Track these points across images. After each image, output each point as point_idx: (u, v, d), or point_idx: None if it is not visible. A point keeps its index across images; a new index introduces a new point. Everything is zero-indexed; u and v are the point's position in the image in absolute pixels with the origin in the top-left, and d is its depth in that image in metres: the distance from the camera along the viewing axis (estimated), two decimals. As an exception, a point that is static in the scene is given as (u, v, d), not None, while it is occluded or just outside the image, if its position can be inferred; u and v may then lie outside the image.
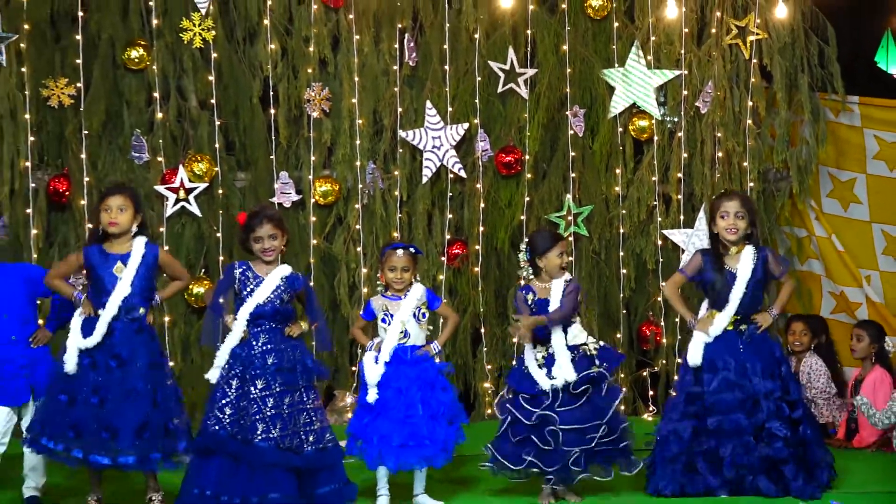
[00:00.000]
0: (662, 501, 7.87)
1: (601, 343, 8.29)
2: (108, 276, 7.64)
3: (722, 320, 7.99)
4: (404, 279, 8.00)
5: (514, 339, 8.40)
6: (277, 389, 7.63)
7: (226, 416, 7.56)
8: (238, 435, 7.53)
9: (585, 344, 8.02)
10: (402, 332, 7.99)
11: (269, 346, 7.70)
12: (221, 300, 7.88)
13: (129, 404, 7.54)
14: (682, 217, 11.16)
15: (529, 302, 8.04)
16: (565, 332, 8.00)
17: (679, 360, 10.70)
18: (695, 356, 8.01)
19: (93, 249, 7.74)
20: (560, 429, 7.84)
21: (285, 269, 7.89)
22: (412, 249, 8.18)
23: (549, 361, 7.93)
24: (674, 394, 8.61)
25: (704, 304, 8.32)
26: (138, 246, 7.71)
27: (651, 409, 11.02)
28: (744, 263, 8.03)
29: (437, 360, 8.14)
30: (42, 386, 7.97)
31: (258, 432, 7.48)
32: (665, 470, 7.95)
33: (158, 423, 7.59)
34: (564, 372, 7.85)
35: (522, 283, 8.56)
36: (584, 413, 7.84)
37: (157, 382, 7.68)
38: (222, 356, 7.69)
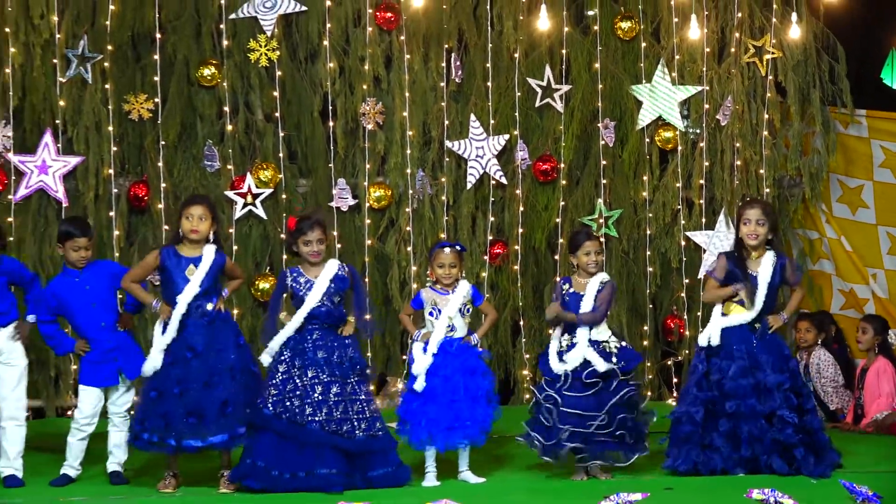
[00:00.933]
0: (678, 479, 7.81)
1: (623, 343, 8.29)
2: (180, 278, 7.80)
3: (744, 317, 8.00)
4: (452, 274, 8.05)
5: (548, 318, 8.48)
6: (325, 379, 7.70)
7: (273, 398, 7.67)
8: (284, 415, 7.59)
9: (607, 341, 8.06)
10: (448, 326, 8.05)
11: (320, 343, 7.80)
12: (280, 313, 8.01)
13: (209, 389, 7.69)
14: (703, 220, 11.26)
15: (564, 292, 8.11)
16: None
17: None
18: (714, 336, 8.01)
19: (168, 251, 7.90)
20: (561, 409, 7.90)
21: (332, 267, 7.97)
22: (458, 247, 8.21)
23: (570, 349, 8.02)
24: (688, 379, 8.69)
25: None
26: (209, 252, 7.87)
27: (675, 395, 11.01)
28: (764, 268, 8.05)
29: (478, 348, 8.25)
30: (129, 370, 8.11)
31: (305, 414, 7.57)
32: (680, 449, 7.98)
33: (239, 401, 7.71)
34: (573, 359, 7.91)
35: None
36: (588, 402, 7.87)
37: (234, 365, 7.81)
38: (276, 343, 7.79)
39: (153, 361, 7.78)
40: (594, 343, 7.99)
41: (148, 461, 8.42)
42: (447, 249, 8.12)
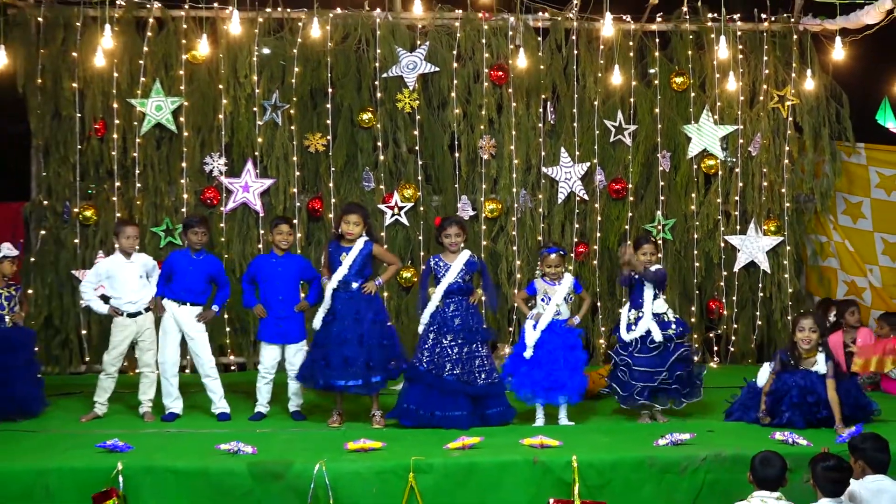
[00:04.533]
0: (718, 423, 8.00)
1: (676, 316, 8.50)
2: (338, 262, 8.18)
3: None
4: (558, 272, 8.34)
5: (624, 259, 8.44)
6: (459, 341, 8.05)
7: (424, 357, 8.04)
8: (433, 370, 7.95)
9: (665, 313, 8.31)
10: (556, 312, 8.29)
11: (456, 312, 8.12)
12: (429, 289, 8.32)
13: (345, 346, 8.02)
14: (738, 227, 11.59)
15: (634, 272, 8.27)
16: (654, 302, 8.28)
17: (736, 326, 11.31)
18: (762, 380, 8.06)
19: (333, 243, 8.29)
20: (633, 368, 8.14)
21: (466, 255, 8.23)
22: (562, 252, 8.45)
23: (638, 321, 8.24)
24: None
25: (767, 367, 8.14)
26: (359, 242, 8.19)
27: (716, 359, 11.47)
28: (818, 366, 7.89)
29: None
30: (292, 336, 8.58)
31: (446, 369, 7.97)
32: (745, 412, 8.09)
33: (379, 359, 8.03)
34: (641, 328, 8.19)
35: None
36: (653, 361, 8.13)
37: (374, 332, 8.08)
38: (426, 314, 8.17)
39: (315, 322, 8.21)
40: (655, 315, 8.23)
41: (320, 402, 8.84)
42: (553, 255, 8.32)
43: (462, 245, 8.29)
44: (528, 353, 8.24)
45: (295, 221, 10.80)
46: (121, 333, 8.43)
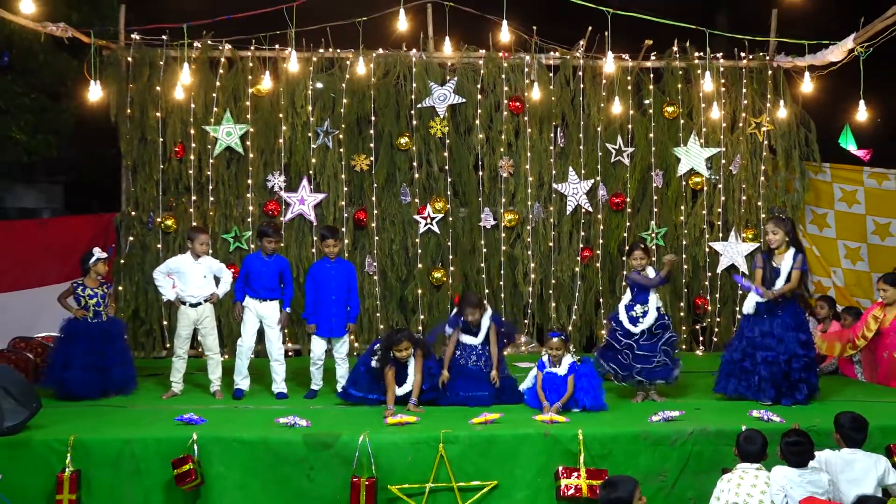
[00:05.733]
0: (706, 402, 7.90)
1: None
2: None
3: (771, 294, 7.85)
4: (558, 355, 7.87)
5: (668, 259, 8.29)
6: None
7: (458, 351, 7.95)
8: (461, 360, 7.94)
9: (660, 307, 8.18)
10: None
11: (474, 362, 8.03)
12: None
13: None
14: (720, 235, 11.51)
15: (640, 273, 8.12)
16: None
17: (719, 319, 11.12)
18: (749, 308, 8.01)
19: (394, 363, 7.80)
20: (636, 353, 8.00)
21: (486, 322, 8.08)
22: (563, 337, 7.94)
23: (645, 315, 8.06)
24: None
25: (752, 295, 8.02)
26: (411, 367, 7.84)
27: (701, 348, 11.31)
28: (786, 262, 7.96)
29: None
30: (337, 330, 8.36)
31: (471, 361, 7.95)
32: (727, 380, 8.01)
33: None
34: (647, 321, 8.04)
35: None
36: (652, 347, 8.02)
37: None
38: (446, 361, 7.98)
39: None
40: (657, 308, 8.12)
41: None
42: (555, 339, 7.86)
43: (480, 316, 8.07)
44: (523, 386, 8.12)
45: (343, 229, 10.86)
46: (184, 321, 8.42)
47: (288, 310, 8.61)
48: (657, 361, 8.02)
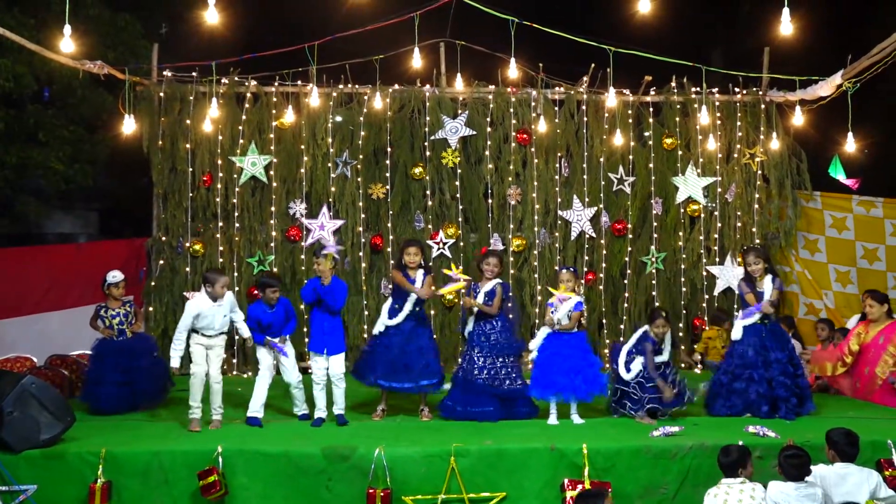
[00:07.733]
0: (702, 418, 7.70)
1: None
2: (408, 287, 7.80)
3: (755, 319, 8.00)
4: (566, 291, 7.91)
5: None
6: (486, 353, 7.90)
7: (465, 365, 7.93)
8: (468, 375, 7.84)
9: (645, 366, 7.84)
10: (557, 324, 7.87)
11: (485, 329, 7.93)
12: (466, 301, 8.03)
13: (412, 355, 7.86)
14: (717, 259, 11.47)
15: (655, 342, 7.93)
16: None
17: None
18: (737, 334, 8.08)
19: (404, 272, 8.01)
20: (646, 387, 7.81)
21: (494, 282, 8.01)
22: (573, 270, 8.18)
23: (664, 361, 7.87)
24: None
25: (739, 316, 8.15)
26: (420, 274, 7.99)
27: (699, 366, 10.91)
28: (767, 285, 8.08)
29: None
30: (331, 348, 7.90)
31: (475, 374, 7.85)
32: (715, 401, 7.98)
33: (426, 366, 7.87)
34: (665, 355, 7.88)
35: None
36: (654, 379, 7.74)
37: (427, 345, 7.96)
38: (467, 330, 7.96)
39: (378, 327, 7.95)
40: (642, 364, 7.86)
41: (364, 401, 8.36)
42: (565, 272, 8.08)
43: (497, 273, 8.08)
44: (532, 355, 8.01)
45: (360, 254, 10.92)
46: (198, 350, 7.87)
47: (286, 336, 8.10)
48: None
